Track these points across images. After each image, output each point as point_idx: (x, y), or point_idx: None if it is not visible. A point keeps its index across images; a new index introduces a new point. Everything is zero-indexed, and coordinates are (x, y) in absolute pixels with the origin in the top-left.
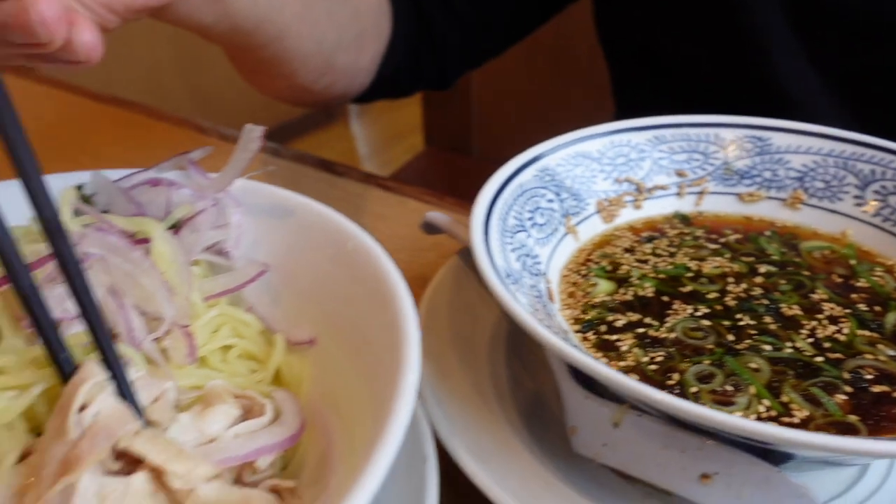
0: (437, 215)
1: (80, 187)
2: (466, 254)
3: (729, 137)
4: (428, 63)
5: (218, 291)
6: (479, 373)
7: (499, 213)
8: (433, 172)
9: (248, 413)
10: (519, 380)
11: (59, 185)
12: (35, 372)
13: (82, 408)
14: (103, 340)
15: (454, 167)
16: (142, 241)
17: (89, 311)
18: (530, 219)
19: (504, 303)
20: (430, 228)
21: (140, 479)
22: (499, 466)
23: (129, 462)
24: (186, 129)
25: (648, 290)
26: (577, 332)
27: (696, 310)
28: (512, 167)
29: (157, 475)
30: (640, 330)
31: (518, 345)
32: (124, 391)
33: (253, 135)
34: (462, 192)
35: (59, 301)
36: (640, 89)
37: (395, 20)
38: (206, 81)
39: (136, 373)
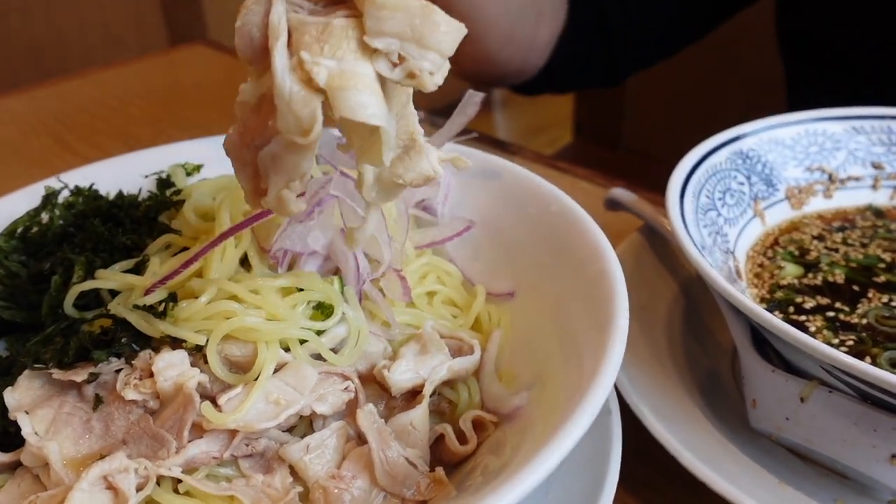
0: (622, 192)
1: None
2: (647, 231)
3: None
4: (599, 55)
5: (426, 242)
6: (658, 343)
7: (692, 190)
8: (582, 164)
9: (457, 352)
10: (693, 354)
11: None
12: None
13: None
14: None
15: (602, 160)
16: None
17: None
18: (721, 199)
19: (701, 267)
20: (613, 204)
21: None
22: (680, 429)
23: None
24: None
25: (839, 276)
26: (765, 310)
27: (890, 299)
28: (705, 148)
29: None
30: (830, 314)
31: (694, 322)
32: None
33: (473, 99)
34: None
35: None
36: (814, 87)
37: (572, 7)
38: None
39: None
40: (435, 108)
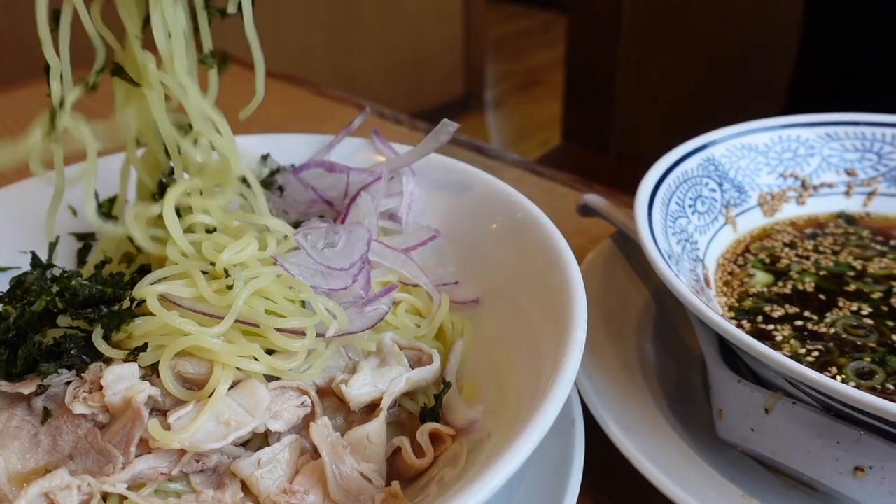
0: (595, 198)
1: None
2: (619, 238)
3: None
4: None
5: None
6: (627, 352)
7: (662, 197)
8: (568, 167)
9: (416, 363)
10: (664, 363)
11: (252, 146)
12: None
13: None
14: None
15: (590, 163)
16: None
17: None
18: (692, 206)
19: (667, 278)
20: (587, 210)
21: None
22: (645, 440)
23: None
24: (348, 106)
25: (808, 285)
26: (732, 319)
27: (859, 308)
28: (677, 154)
29: None
30: (798, 322)
31: (665, 330)
32: None
33: (447, 129)
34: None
35: None
36: (828, 77)
37: None
38: (352, 68)
39: None
40: (414, 112)
